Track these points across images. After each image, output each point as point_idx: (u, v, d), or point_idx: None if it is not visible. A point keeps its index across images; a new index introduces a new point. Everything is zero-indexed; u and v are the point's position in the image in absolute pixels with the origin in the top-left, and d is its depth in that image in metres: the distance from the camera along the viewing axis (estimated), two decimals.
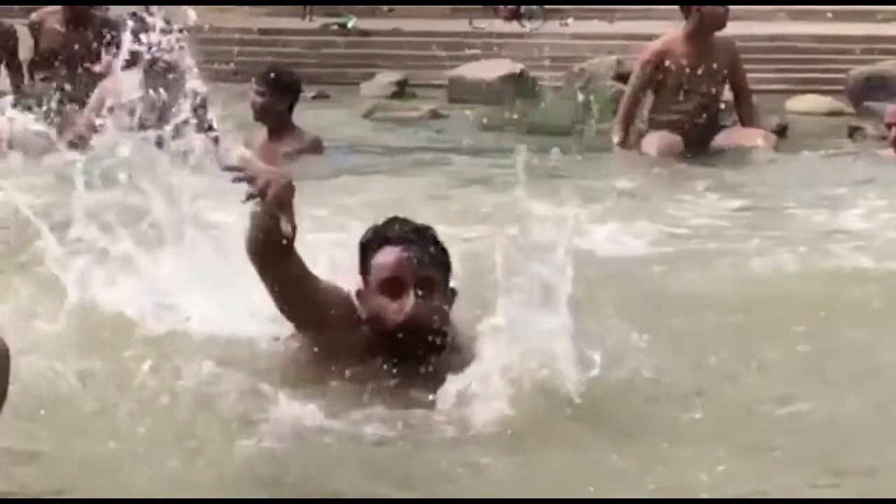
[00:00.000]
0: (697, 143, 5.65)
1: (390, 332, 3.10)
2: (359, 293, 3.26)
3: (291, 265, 3.09)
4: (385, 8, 21.95)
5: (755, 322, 3.69)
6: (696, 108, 5.67)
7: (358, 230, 3.30)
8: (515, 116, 8.64)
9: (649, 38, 6.99)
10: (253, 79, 5.36)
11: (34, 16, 8.60)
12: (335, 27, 20.93)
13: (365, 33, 20.78)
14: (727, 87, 5.87)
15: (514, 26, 20.77)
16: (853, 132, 10.03)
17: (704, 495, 2.69)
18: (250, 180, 2.95)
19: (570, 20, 21.18)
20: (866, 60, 13.94)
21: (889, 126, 7.72)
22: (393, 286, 3.10)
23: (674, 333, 3.42)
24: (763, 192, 5.47)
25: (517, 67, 11.78)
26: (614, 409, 2.99)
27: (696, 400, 3.15)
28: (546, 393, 2.93)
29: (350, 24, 20.93)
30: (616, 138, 5.93)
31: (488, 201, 3.95)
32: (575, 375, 2.95)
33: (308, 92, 6.02)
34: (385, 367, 3.14)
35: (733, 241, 4.46)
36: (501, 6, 21.06)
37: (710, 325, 3.64)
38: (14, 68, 8.62)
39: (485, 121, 8.96)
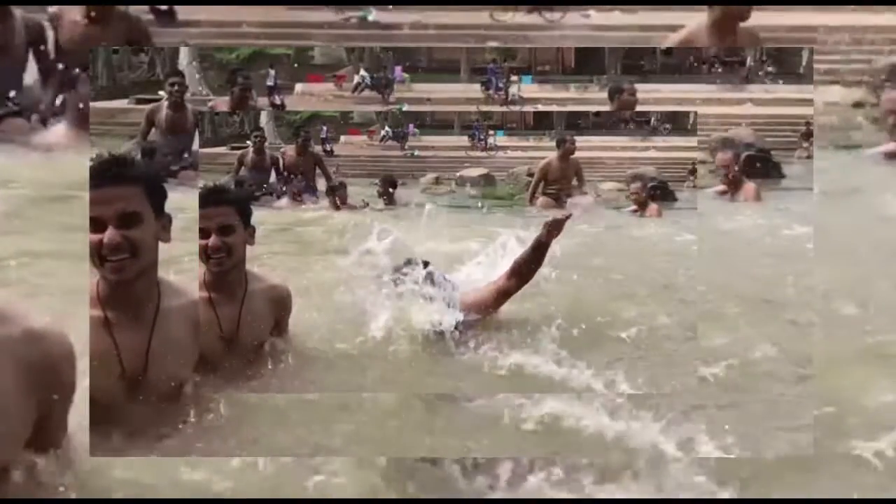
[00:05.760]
0: (560, 202, 11.23)
1: None
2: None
3: None
4: None
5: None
6: (560, 189, 11.41)
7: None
8: (485, 192, 21.16)
9: (667, 28, 6.97)
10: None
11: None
12: (354, 20, 21.03)
13: (385, 26, 20.80)
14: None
15: (534, 19, 20.73)
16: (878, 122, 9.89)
17: None
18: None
19: (591, 12, 21.08)
20: (892, 51, 13.80)
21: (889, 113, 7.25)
22: None
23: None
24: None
25: (486, 171, 25.05)
26: None
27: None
28: None
29: (370, 17, 20.99)
30: (528, 201, 11.78)
31: (478, 228, 8.18)
32: None
33: (398, 183, 13.38)
34: None
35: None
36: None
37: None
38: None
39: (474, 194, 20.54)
